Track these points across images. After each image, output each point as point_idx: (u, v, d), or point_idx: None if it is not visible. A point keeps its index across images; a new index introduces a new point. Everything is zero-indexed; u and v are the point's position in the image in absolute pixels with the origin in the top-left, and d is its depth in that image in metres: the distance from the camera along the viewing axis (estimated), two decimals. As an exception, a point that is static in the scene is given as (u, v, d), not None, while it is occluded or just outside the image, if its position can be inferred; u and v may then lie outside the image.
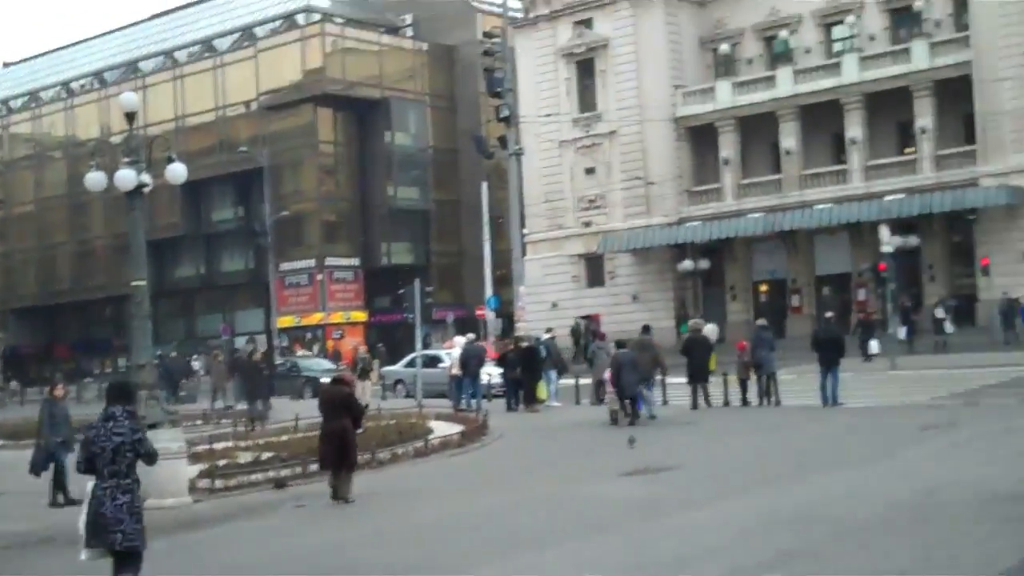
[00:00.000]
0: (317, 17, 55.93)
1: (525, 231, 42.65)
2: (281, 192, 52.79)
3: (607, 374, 20.71)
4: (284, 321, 52.04)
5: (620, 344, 21.25)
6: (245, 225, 54.93)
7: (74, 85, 62.25)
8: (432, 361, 29.57)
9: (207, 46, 58.61)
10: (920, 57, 39.96)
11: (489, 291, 39.86)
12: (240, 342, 45.40)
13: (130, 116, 15.27)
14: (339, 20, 56.65)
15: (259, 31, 57.16)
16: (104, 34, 64.64)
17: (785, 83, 42.45)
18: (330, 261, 54.07)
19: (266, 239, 48.66)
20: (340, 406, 13.59)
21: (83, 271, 61.75)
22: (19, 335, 61.87)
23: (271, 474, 14.91)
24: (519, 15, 48.19)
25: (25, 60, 68.30)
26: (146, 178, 14.82)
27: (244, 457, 16.49)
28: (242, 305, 57.42)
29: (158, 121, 53.28)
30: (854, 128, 41.38)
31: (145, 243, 15.39)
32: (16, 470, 15.87)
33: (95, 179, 15.39)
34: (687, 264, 43.82)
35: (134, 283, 14.99)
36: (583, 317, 43.18)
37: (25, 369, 57.34)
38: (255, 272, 54.83)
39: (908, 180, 39.90)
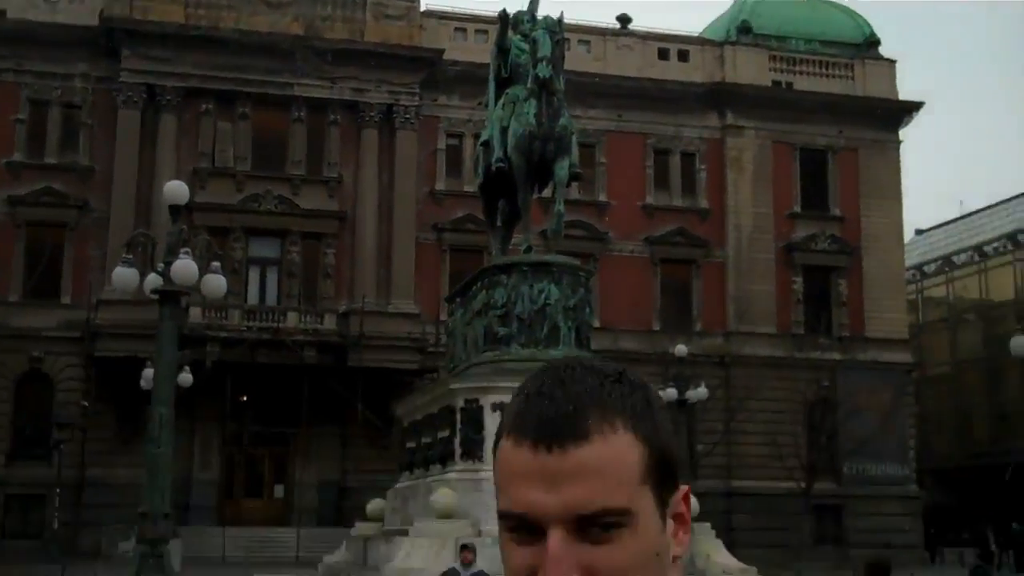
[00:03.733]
0: None
1: None
2: None
3: None
4: None
5: None
6: None
7: (987, 248, 62.55)
8: None
9: None
10: None
11: None
12: None
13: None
14: None
15: None
16: (1017, 196, 64.23)
17: None
18: None
19: None
20: None
21: (1000, 434, 60.53)
22: (937, 494, 62.35)
23: None
24: None
25: (938, 226, 70.48)
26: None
27: None
28: None
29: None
30: None
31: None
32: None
33: (1021, 344, 15.14)
34: None
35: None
36: None
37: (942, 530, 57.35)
38: None
39: None
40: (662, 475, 1.35)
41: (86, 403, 35.12)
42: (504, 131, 18.29)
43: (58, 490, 32.95)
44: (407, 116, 39.91)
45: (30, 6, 38.06)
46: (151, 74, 37.92)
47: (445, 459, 16.70)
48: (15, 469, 35.38)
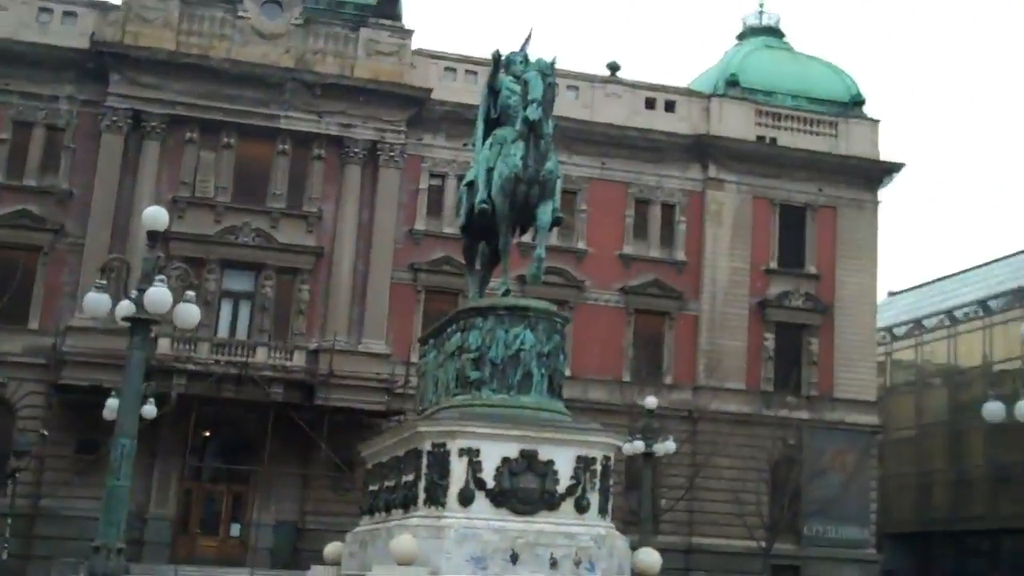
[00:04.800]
0: None
1: None
2: None
3: None
4: None
5: None
6: None
7: (957, 313, 62.93)
8: None
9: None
10: None
11: None
12: None
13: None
14: None
15: None
16: (990, 262, 64.81)
17: None
18: None
19: None
20: None
21: (960, 500, 60.62)
22: (894, 558, 62.32)
23: None
24: None
25: (911, 289, 70.92)
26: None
27: None
28: None
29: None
30: None
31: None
32: None
33: (993, 409, 15.16)
34: None
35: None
36: None
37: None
38: None
39: None
40: None
41: (46, 432, 34.60)
42: (489, 172, 18.23)
43: (9, 520, 32.31)
44: (392, 154, 40.01)
45: (21, 26, 38.08)
46: (138, 100, 37.90)
47: (408, 504, 16.45)
48: None
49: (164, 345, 35.18)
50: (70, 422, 34.54)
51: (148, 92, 37.88)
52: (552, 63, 17.96)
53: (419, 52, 41.52)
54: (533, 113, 17.44)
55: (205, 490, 38.27)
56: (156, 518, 36.22)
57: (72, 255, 36.65)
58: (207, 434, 37.42)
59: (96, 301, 12.72)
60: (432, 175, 41.18)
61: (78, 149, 37.94)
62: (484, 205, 18.11)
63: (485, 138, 19.08)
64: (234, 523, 37.92)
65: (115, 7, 38.90)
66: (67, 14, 38.78)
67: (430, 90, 40.30)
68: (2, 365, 35.94)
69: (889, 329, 65.35)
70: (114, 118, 37.67)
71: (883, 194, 46.52)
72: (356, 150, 39.71)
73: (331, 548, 20.08)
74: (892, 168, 46.26)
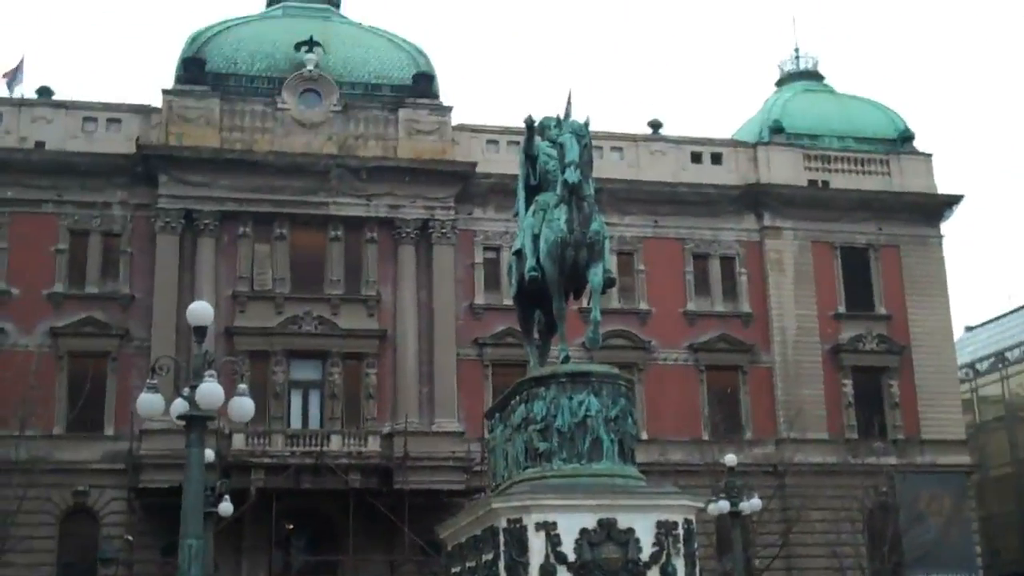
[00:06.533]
0: None
1: None
2: None
3: None
4: None
5: None
6: None
7: (1038, 344, 61.09)
8: None
9: None
10: None
11: None
12: None
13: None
14: None
15: None
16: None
17: None
18: None
19: None
20: None
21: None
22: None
23: None
24: None
25: (989, 322, 69.14)
26: None
27: None
28: None
29: None
30: None
31: None
32: None
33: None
34: None
35: None
36: None
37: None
38: None
39: None
40: None
41: (131, 537, 34.58)
42: (535, 239, 18.05)
43: (104, 629, 32.15)
44: (443, 231, 39.99)
45: (68, 136, 38.78)
46: (188, 199, 38.25)
47: (490, 584, 15.97)
48: None
49: (239, 441, 35.24)
50: (154, 526, 34.33)
51: (198, 191, 38.26)
52: (586, 123, 17.79)
53: (460, 127, 41.64)
54: (572, 176, 17.27)
55: (295, 584, 37.79)
56: (250, 616, 35.84)
57: (139, 358, 36.60)
58: (290, 527, 37.15)
59: (149, 402, 12.55)
60: (486, 248, 41.00)
61: (135, 253, 38.32)
62: (534, 273, 17.92)
63: (528, 205, 18.93)
64: (329, 615, 37.36)
65: (157, 110, 39.46)
66: (111, 120, 39.38)
67: (474, 164, 40.29)
68: (82, 473, 35.94)
69: (971, 365, 63.58)
70: (167, 219, 38.05)
71: (946, 228, 45.62)
72: (407, 230, 39.74)
73: (421, 635, 19.64)
74: (951, 201, 45.37)
